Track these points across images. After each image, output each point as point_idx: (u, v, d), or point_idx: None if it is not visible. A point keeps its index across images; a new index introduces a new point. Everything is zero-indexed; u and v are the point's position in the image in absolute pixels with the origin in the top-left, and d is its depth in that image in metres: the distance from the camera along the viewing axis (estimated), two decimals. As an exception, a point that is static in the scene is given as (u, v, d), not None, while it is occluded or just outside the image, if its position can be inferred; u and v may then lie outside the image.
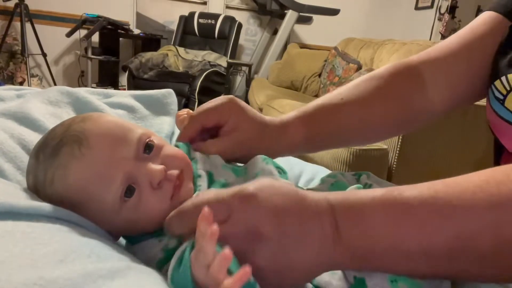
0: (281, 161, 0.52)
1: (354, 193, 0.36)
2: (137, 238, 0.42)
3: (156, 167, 0.40)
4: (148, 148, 0.42)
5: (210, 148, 0.49)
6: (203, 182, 0.43)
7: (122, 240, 0.46)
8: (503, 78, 0.50)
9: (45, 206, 0.36)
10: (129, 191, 0.39)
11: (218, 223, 0.30)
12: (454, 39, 0.57)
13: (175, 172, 0.41)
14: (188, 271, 0.30)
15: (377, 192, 0.35)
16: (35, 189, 0.41)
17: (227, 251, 0.28)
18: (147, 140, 0.42)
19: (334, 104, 0.54)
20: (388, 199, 0.34)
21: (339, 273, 0.37)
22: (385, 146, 1.49)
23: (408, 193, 0.34)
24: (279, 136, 0.52)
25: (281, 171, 0.47)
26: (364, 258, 0.33)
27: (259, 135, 0.50)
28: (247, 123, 0.50)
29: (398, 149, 1.48)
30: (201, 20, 3.99)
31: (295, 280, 0.33)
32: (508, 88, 0.49)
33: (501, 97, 0.50)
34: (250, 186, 0.34)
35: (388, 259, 0.33)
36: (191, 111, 0.54)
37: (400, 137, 1.46)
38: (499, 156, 0.56)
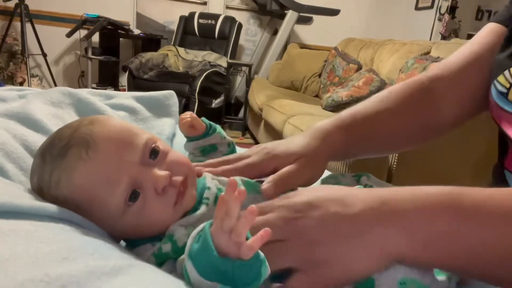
0: None
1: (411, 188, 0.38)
2: (136, 242, 0.42)
3: (161, 173, 0.40)
4: (154, 153, 0.42)
5: None
6: (210, 195, 0.44)
7: (122, 243, 0.46)
8: (506, 72, 0.51)
9: (49, 207, 0.36)
10: (134, 195, 0.40)
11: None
12: (460, 54, 0.60)
13: (179, 178, 0.42)
14: (209, 238, 0.31)
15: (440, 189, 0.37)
16: (39, 190, 0.41)
17: (253, 207, 0.30)
18: (153, 145, 0.42)
19: (367, 116, 0.56)
20: (451, 193, 0.36)
21: None
22: (385, 146, 1.49)
23: (475, 190, 0.36)
24: (324, 151, 0.51)
25: None
26: (423, 249, 0.34)
27: (313, 166, 0.49)
28: (302, 168, 0.48)
29: (398, 149, 1.48)
30: (201, 20, 4.00)
31: (364, 270, 0.35)
32: (511, 81, 0.50)
33: (505, 91, 0.51)
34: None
35: (446, 251, 0.34)
36: (194, 114, 0.54)
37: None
38: (504, 154, 0.56)
